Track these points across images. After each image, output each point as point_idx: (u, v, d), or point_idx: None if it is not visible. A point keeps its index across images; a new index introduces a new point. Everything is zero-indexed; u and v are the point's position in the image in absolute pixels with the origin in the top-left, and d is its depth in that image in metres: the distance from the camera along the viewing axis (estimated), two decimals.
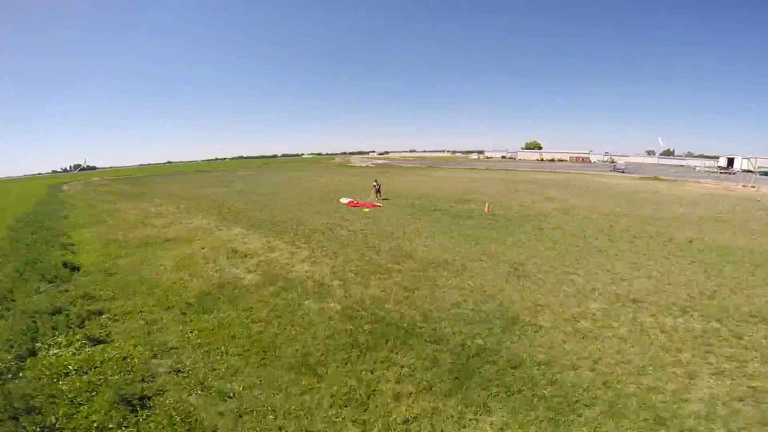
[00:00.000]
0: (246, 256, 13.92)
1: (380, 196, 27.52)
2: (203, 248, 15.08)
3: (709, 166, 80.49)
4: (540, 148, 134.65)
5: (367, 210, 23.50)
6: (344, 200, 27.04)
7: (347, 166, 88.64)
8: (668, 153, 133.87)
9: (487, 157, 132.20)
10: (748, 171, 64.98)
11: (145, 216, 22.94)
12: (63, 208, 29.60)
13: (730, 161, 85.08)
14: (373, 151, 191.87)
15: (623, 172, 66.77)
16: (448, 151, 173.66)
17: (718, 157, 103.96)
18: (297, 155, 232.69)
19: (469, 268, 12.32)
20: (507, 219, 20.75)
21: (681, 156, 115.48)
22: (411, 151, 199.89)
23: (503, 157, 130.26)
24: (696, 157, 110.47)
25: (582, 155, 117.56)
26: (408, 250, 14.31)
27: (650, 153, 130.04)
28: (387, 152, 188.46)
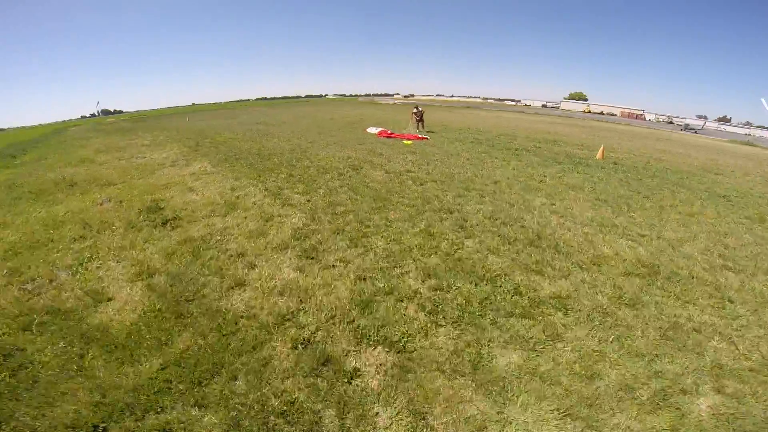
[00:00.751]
0: (169, 222, 6.15)
1: (423, 127, 18.97)
2: (101, 203, 7.29)
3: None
4: (585, 99, 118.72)
5: (408, 142, 15.14)
6: (373, 130, 18.60)
7: (373, 103, 78.07)
8: (725, 120, 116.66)
9: (526, 105, 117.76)
10: None
11: (105, 149, 14.99)
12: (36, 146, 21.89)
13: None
14: (397, 93, 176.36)
15: (695, 132, 56.18)
16: (480, 98, 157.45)
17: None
18: (320, 96, 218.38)
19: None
20: (649, 173, 12.20)
21: (740, 124, 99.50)
22: (438, 95, 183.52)
23: (544, 105, 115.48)
24: (756, 127, 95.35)
25: (636, 111, 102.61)
26: (539, 228, 6.28)
27: (701, 117, 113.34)
28: (412, 95, 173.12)
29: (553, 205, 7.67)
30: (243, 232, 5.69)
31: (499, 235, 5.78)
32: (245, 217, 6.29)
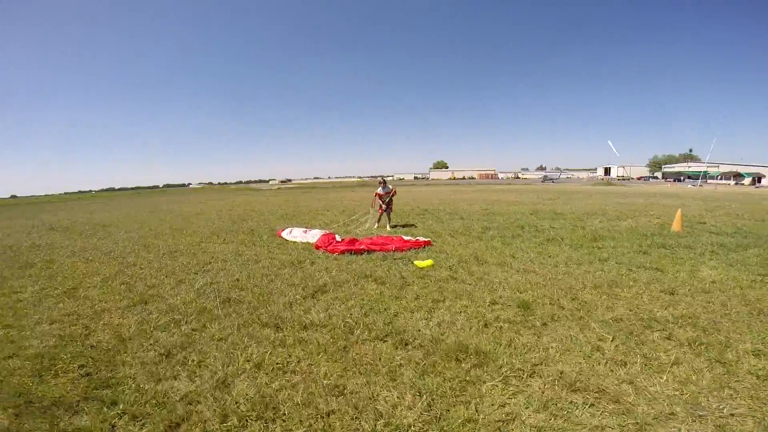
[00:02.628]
0: None
1: (390, 217, 10.61)
2: None
3: (593, 176, 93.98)
4: (447, 167, 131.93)
5: (424, 264, 6.19)
6: (299, 234, 9.19)
7: (251, 189, 66.88)
8: (542, 168, 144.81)
9: (400, 179, 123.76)
10: (622, 177, 70.57)
11: None
12: None
13: (607, 170, 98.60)
14: (274, 179, 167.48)
15: (553, 182, 63.71)
16: (357, 177, 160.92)
17: (595, 169, 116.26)
18: (183, 185, 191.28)
19: None
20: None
21: (557, 170, 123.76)
22: (315, 179, 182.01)
23: (415, 177, 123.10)
24: (572, 170, 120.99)
25: (489, 172, 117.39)
26: None
27: (541, 169, 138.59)
28: (289, 179, 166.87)
29: None
30: None
31: None
32: None
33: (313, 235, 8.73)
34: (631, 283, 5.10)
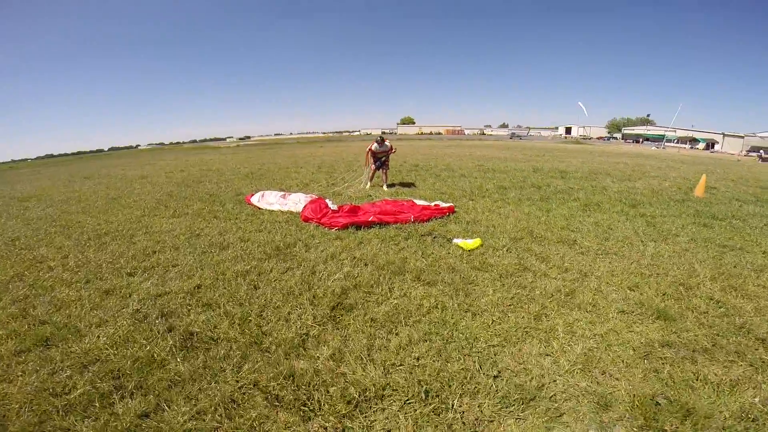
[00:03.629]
0: None
1: (387, 177, 8.62)
2: None
3: (556, 135, 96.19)
4: (414, 122, 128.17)
5: (471, 244, 4.33)
6: (271, 198, 7.02)
7: (208, 147, 60.41)
8: (505, 126, 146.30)
9: (367, 134, 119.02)
10: (583, 136, 72.10)
11: None
12: None
13: (568, 129, 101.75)
14: (231, 137, 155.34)
15: (521, 138, 63.77)
16: (321, 133, 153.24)
17: (556, 128, 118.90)
18: (130, 147, 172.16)
19: None
20: None
21: (520, 128, 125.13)
22: (276, 135, 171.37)
23: (383, 132, 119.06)
24: (534, 128, 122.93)
25: (456, 128, 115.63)
26: None
27: (503, 126, 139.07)
28: (248, 137, 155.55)
29: None
30: None
31: None
32: None
33: (296, 201, 6.59)
34: (743, 272, 3.84)
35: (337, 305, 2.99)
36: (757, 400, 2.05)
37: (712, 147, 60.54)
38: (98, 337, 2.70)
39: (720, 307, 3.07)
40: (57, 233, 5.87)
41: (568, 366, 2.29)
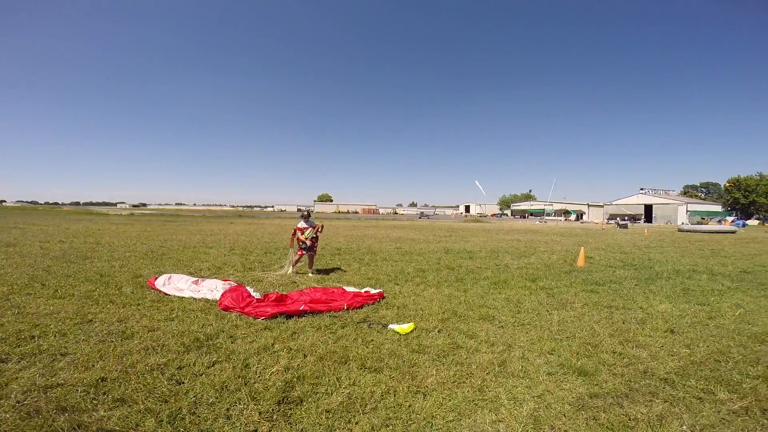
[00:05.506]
0: None
1: (312, 261, 8.51)
2: None
3: (458, 213, 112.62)
4: (331, 200, 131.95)
5: (404, 329, 4.46)
6: (181, 284, 6.32)
7: (94, 213, 51.93)
8: (414, 205, 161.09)
9: (282, 210, 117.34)
10: (480, 214, 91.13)
11: None
12: None
13: (467, 208, 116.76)
14: (123, 203, 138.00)
15: (428, 218, 69.88)
16: (230, 206, 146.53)
17: (458, 206, 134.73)
18: None
19: None
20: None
21: (427, 207, 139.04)
22: (178, 205, 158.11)
23: (298, 209, 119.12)
24: (439, 207, 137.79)
25: (372, 207, 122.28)
26: None
27: (413, 205, 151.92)
28: (144, 204, 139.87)
29: None
30: None
31: None
32: None
33: (211, 288, 6.08)
34: (631, 327, 4.96)
35: (283, 399, 2.76)
36: (685, 427, 2.55)
37: (581, 217, 74.89)
38: None
39: (623, 358, 3.82)
40: None
41: (520, 428, 2.54)
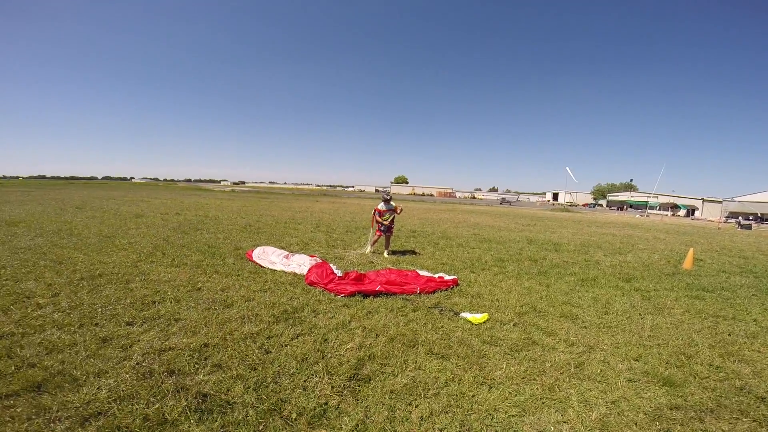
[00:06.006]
0: None
1: (389, 241, 8.90)
2: None
3: (544, 200, 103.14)
4: (407, 182, 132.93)
5: (479, 319, 4.46)
6: (274, 257, 7.12)
7: (202, 189, 60.99)
8: (494, 190, 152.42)
9: (361, 190, 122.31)
10: (569, 203, 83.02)
11: None
12: None
13: (555, 195, 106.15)
14: (225, 180, 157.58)
15: (510, 204, 65.78)
16: (315, 185, 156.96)
17: (544, 193, 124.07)
18: (124, 179, 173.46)
19: None
20: None
21: (509, 193, 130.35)
22: (271, 183, 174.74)
23: (377, 190, 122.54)
24: (523, 194, 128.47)
25: (448, 190, 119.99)
26: None
27: (493, 190, 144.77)
28: (243, 182, 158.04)
29: None
30: None
31: None
32: None
33: (300, 263, 6.74)
34: (738, 339, 4.33)
35: (354, 376, 3.03)
36: None
37: (693, 213, 63.55)
38: (98, 388, 2.66)
39: (720, 372, 3.38)
40: (47, 268, 5.84)
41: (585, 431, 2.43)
